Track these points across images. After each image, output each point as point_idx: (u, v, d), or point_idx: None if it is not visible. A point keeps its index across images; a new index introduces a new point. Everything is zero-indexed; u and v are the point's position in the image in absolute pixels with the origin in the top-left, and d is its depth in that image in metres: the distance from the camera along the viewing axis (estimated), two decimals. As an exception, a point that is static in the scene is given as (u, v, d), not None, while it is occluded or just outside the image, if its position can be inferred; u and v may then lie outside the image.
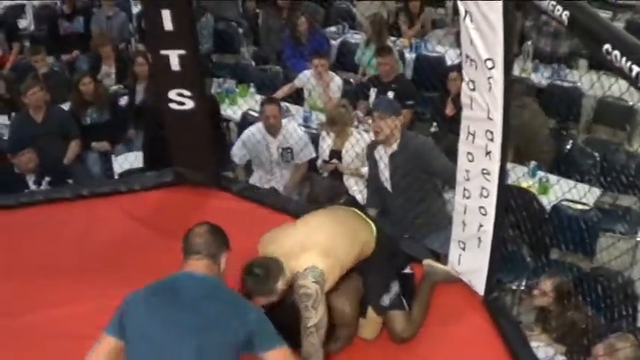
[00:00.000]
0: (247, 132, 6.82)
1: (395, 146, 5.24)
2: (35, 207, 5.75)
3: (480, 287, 4.68)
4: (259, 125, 6.71)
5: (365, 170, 6.24)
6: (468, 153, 4.32)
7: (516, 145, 6.76)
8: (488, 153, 4.16)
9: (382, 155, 5.34)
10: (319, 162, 6.67)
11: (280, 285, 3.85)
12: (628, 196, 6.92)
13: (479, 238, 4.49)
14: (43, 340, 4.35)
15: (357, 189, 6.43)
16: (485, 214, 4.37)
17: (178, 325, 3.18)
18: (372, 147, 5.55)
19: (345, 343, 4.35)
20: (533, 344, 4.52)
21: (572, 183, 6.39)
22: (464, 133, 4.34)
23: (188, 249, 3.44)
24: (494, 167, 4.17)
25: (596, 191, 6.61)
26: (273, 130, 6.59)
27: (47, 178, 6.43)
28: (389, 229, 4.96)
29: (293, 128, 6.72)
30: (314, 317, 3.84)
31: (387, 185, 5.40)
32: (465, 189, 4.47)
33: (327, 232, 4.07)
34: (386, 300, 4.37)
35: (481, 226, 4.43)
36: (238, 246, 4.17)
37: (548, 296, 4.80)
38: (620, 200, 7.01)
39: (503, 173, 4.21)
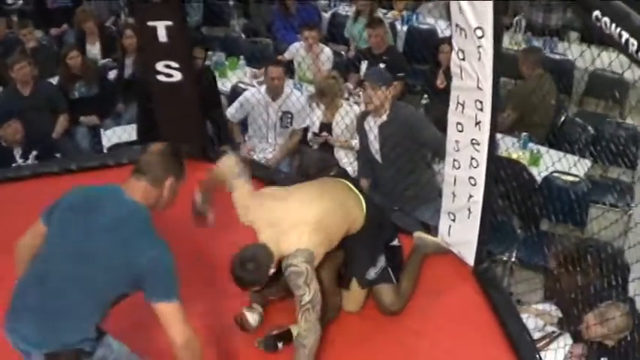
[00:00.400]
0: (248, 92, 6.83)
1: (385, 117, 5.21)
2: (22, 182, 5.69)
3: (469, 258, 4.68)
4: (261, 88, 6.76)
5: (355, 142, 6.22)
6: (458, 123, 4.30)
7: (521, 113, 6.81)
8: (477, 123, 4.13)
9: (372, 126, 5.31)
10: (309, 135, 6.63)
11: (272, 270, 3.85)
12: (618, 168, 6.92)
13: (469, 209, 4.47)
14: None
15: (348, 161, 6.40)
16: (474, 185, 4.35)
17: (77, 246, 3.13)
18: (361, 118, 5.52)
19: (331, 315, 4.33)
20: (523, 315, 4.52)
21: (562, 155, 6.35)
22: (453, 104, 4.31)
23: (135, 166, 3.31)
24: (484, 137, 4.15)
25: (587, 163, 6.62)
26: (275, 92, 6.60)
27: (34, 152, 6.37)
28: (379, 201, 4.97)
29: (294, 94, 6.73)
30: (307, 294, 3.80)
31: (377, 156, 5.37)
32: (454, 160, 4.45)
33: (318, 208, 4.00)
34: (372, 273, 4.34)
35: (471, 196, 4.41)
36: (226, 218, 4.17)
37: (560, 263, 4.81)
38: (611, 172, 7.02)
39: (492, 144, 4.18)
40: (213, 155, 5.83)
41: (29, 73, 6.96)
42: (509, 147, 6.36)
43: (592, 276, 4.71)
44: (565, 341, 4.47)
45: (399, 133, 5.16)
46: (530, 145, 6.64)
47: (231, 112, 6.85)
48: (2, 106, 6.98)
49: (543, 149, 6.60)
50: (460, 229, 4.64)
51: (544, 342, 4.44)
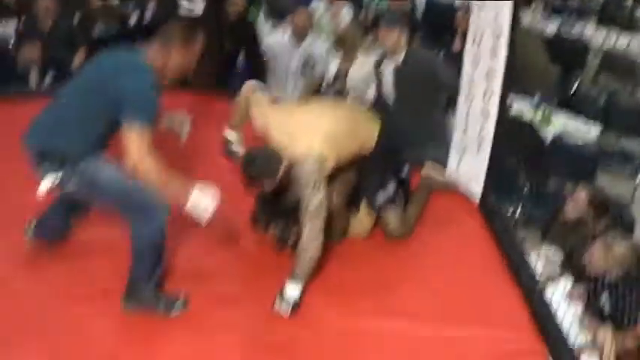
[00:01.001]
0: (271, 37, 6.86)
1: (400, 58, 5.27)
2: (39, 101, 5.74)
3: (476, 193, 4.74)
4: (286, 31, 6.77)
5: (370, 93, 6.26)
6: (474, 55, 4.36)
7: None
8: (494, 53, 4.20)
9: (387, 68, 5.36)
10: (324, 85, 6.66)
11: (281, 174, 3.91)
12: (629, 140, 6.97)
13: (479, 142, 4.54)
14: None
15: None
16: (487, 117, 4.41)
17: (83, 77, 3.60)
18: (377, 63, 5.58)
19: (337, 237, 4.41)
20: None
21: (574, 121, 6.41)
22: (471, 37, 4.40)
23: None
24: (499, 66, 4.21)
25: (599, 128, 6.65)
26: (299, 37, 6.63)
27: (51, 72, 6.39)
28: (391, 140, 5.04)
29: (318, 40, 6.75)
30: (314, 200, 3.86)
31: (390, 97, 5.43)
32: (468, 92, 4.51)
33: (330, 119, 4.10)
34: (380, 198, 4.43)
35: (482, 129, 4.48)
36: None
37: (581, 207, 4.84)
38: (622, 143, 7.05)
39: (507, 73, 4.23)
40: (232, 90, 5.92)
41: (50, 8, 6.99)
42: (522, 108, 6.38)
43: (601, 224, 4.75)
44: (566, 282, 4.50)
45: (414, 74, 5.23)
46: (543, 106, 6.64)
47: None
48: (22, 32, 7.02)
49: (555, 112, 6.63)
50: (469, 163, 4.71)
51: (545, 280, 4.45)
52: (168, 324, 3.75)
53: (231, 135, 4.43)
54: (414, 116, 5.32)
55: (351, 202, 4.49)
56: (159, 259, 3.67)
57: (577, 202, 4.83)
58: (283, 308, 3.85)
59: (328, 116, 4.12)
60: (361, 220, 4.50)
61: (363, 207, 4.46)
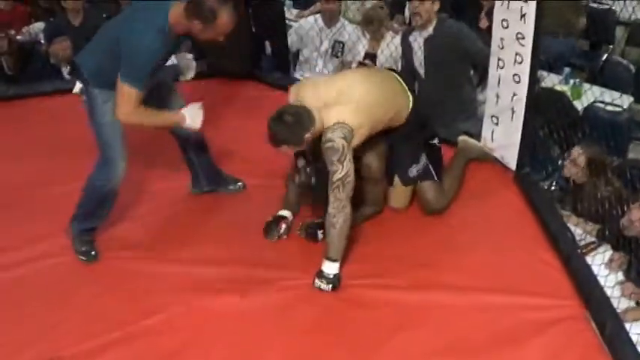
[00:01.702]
0: (302, 20, 6.85)
1: (431, 30, 5.27)
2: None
3: (512, 163, 4.73)
4: (316, 16, 6.75)
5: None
6: (503, 20, 4.35)
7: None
8: (523, 16, 4.18)
9: (417, 39, 5.36)
10: (353, 65, 6.67)
11: (309, 136, 3.85)
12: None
13: (512, 109, 4.53)
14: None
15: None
16: (518, 82, 4.40)
17: (110, 23, 3.94)
18: (407, 33, 5.58)
19: (374, 209, 4.44)
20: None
21: (606, 90, 6.35)
22: (499, 2, 4.35)
23: None
24: (529, 30, 4.19)
25: (630, 98, 6.59)
26: (330, 20, 6.60)
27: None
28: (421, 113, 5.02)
29: (349, 25, 6.71)
30: (340, 171, 3.83)
31: (421, 70, 5.42)
32: (499, 59, 4.50)
33: (364, 89, 4.03)
34: (414, 171, 4.42)
35: (514, 95, 4.46)
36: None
37: (577, 165, 4.71)
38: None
39: (537, 35, 4.21)
40: (262, 75, 5.94)
41: (80, 4, 7.04)
42: (554, 82, 6.33)
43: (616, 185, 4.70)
44: (605, 251, 4.46)
45: (444, 45, 5.22)
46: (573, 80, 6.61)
47: (290, 41, 6.84)
48: (52, 29, 7.08)
49: (586, 85, 6.57)
50: (503, 133, 4.69)
51: (585, 250, 4.42)
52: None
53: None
54: (446, 88, 5.32)
55: (385, 174, 4.48)
56: (95, 208, 4.10)
57: (574, 162, 4.73)
58: (323, 286, 3.86)
59: (361, 84, 4.06)
60: (397, 193, 4.50)
61: (397, 181, 4.45)
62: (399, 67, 5.95)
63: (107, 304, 3.83)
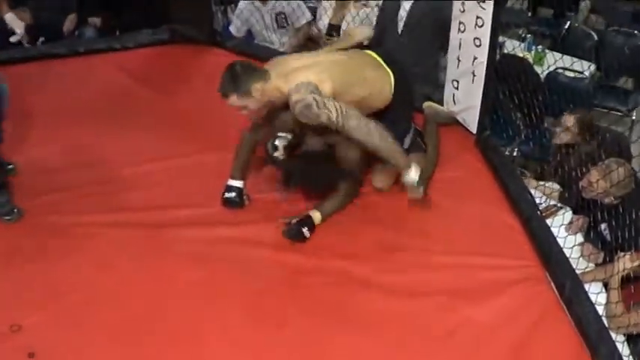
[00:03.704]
0: (241, 4, 6.76)
1: None
2: (30, 63, 5.74)
3: (473, 126, 4.75)
4: None
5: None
6: (464, -16, 4.34)
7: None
8: (483, -20, 4.17)
9: (403, 5, 5.32)
10: (314, 30, 6.60)
11: (258, 88, 3.83)
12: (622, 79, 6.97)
13: (473, 73, 4.53)
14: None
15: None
16: (479, 45, 4.40)
17: None
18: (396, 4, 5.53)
19: (346, 200, 4.33)
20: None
21: (567, 58, 6.38)
22: (460, -33, 4.36)
23: None
24: (489, -7, 4.19)
25: (592, 66, 6.63)
26: None
27: (42, 38, 6.36)
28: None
29: None
30: (331, 114, 3.78)
31: (399, 30, 5.38)
32: (460, 22, 4.52)
33: (329, 58, 4.05)
34: (407, 141, 4.39)
35: (475, 58, 4.47)
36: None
37: (571, 131, 4.78)
38: (615, 81, 7.05)
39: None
40: (222, 41, 5.91)
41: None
42: (515, 48, 6.35)
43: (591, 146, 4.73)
44: (565, 213, 4.49)
45: (424, 12, 5.17)
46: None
47: (233, 25, 6.72)
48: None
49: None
50: (464, 96, 4.70)
51: (545, 213, 4.45)
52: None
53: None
54: (419, 57, 5.27)
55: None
56: None
57: (566, 126, 4.77)
58: (415, 192, 4.05)
59: (325, 57, 4.08)
60: (383, 172, 4.43)
61: None
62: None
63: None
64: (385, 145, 3.90)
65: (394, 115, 4.27)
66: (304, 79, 3.84)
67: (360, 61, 4.17)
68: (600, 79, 6.83)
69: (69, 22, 6.91)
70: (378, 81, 4.13)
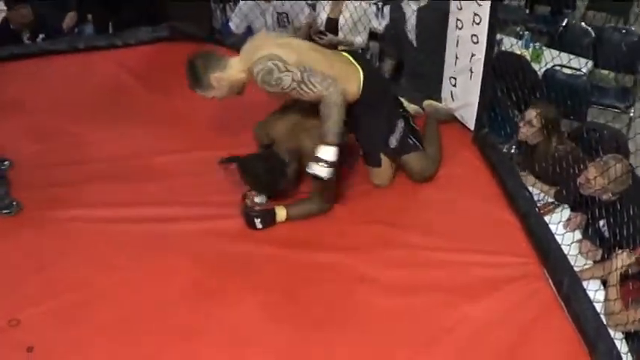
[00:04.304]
0: (241, 2, 6.75)
1: (425, 1, 5.28)
2: (30, 59, 5.74)
3: (470, 123, 4.76)
4: None
5: (358, 41, 6.25)
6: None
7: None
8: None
9: (412, 6, 5.34)
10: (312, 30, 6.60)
11: (216, 77, 3.93)
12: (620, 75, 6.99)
13: (470, 70, 4.54)
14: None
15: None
16: (476, 42, 4.42)
17: None
18: (397, 5, 5.55)
19: (319, 207, 4.26)
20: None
21: (565, 55, 6.39)
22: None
23: None
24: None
25: (590, 63, 6.64)
26: None
27: (42, 35, 6.37)
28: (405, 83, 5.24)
29: None
30: (295, 72, 3.81)
31: (412, 39, 5.40)
32: (457, 19, 4.52)
33: (294, 42, 4.08)
34: (393, 141, 4.35)
35: (473, 55, 4.48)
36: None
37: (533, 126, 4.74)
38: (614, 78, 7.07)
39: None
40: (222, 38, 5.92)
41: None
42: (512, 45, 6.36)
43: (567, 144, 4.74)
44: (563, 210, 4.51)
45: (436, 17, 5.17)
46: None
47: (233, 20, 6.72)
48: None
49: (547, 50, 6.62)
50: (462, 93, 4.72)
51: (543, 210, 4.46)
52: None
53: None
54: (435, 58, 5.28)
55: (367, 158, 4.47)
56: None
57: (528, 121, 4.76)
58: (319, 170, 3.83)
59: (294, 39, 4.15)
60: (379, 171, 4.44)
61: (384, 159, 4.40)
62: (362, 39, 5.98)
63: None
64: (336, 111, 3.81)
65: (368, 113, 4.24)
66: (268, 51, 3.87)
67: (329, 52, 4.20)
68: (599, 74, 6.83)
69: (69, 19, 6.93)
70: (344, 71, 4.07)
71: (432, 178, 4.50)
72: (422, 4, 5.29)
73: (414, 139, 4.44)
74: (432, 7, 5.23)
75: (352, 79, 4.10)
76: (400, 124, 4.37)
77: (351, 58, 4.19)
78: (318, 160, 3.80)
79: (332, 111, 3.79)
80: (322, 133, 3.81)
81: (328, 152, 3.80)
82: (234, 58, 4.00)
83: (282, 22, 6.56)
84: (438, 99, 5.06)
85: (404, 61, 5.69)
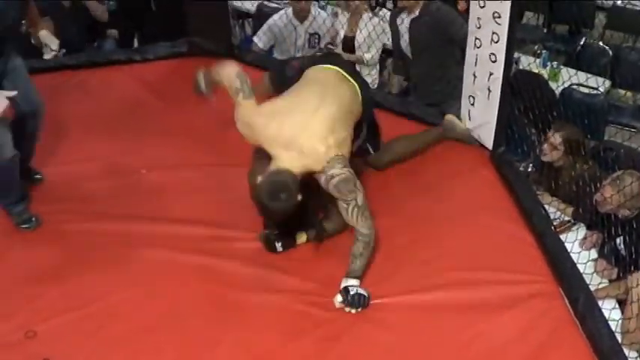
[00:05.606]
0: (274, 17, 6.73)
1: (417, 12, 5.30)
2: (49, 73, 5.78)
3: (488, 141, 4.76)
4: (287, 11, 6.61)
5: (367, 57, 6.29)
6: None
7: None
8: (499, -4, 4.21)
9: (404, 20, 5.40)
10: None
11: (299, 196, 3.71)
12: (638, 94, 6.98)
13: (488, 89, 4.56)
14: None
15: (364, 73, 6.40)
16: (495, 61, 4.44)
17: None
18: (394, 15, 5.60)
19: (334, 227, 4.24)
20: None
21: (582, 74, 6.38)
22: (476, -18, 4.39)
23: None
24: (506, 8, 4.22)
25: (607, 82, 6.65)
26: (301, 15, 6.51)
27: (63, 50, 6.40)
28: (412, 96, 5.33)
29: (321, 15, 6.61)
30: (359, 197, 3.74)
31: (407, 51, 5.45)
32: (476, 38, 4.54)
33: (324, 114, 3.82)
34: (354, 147, 4.16)
35: (491, 74, 4.50)
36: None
37: (557, 149, 4.72)
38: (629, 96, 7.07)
39: (514, 13, 4.24)
40: (241, 54, 5.96)
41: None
42: (530, 64, 6.38)
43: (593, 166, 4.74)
44: (579, 229, 4.50)
45: (429, 28, 5.22)
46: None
47: (260, 36, 6.68)
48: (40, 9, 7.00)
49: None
50: (480, 111, 4.73)
51: (559, 229, 4.46)
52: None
53: (200, 77, 4.34)
54: (432, 70, 5.31)
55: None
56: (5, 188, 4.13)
57: (552, 145, 4.75)
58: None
59: (321, 110, 3.84)
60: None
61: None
62: (373, 53, 6.04)
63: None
64: (367, 253, 3.83)
65: (369, 127, 4.32)
66: (328, 151, 3.75)
67: (342, 94, 4.01)
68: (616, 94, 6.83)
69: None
70: (356, 105, 4.05)
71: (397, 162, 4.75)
72: (414, 15, 5.33)
73: (370, 146, 4.48)
74: (422, 19, 5.30)
75: (358, 105, 4.06)
76: (364, 130, 4.32)
77: (350, 79, 4.11)
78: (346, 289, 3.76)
79: (367, 252, 3.82)
80: (353, 270, 3.80)
81: (354, 284, 3.77)
82: (287, 165, 3.73)
83: (313, 43, 6.57)
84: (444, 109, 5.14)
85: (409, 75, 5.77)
